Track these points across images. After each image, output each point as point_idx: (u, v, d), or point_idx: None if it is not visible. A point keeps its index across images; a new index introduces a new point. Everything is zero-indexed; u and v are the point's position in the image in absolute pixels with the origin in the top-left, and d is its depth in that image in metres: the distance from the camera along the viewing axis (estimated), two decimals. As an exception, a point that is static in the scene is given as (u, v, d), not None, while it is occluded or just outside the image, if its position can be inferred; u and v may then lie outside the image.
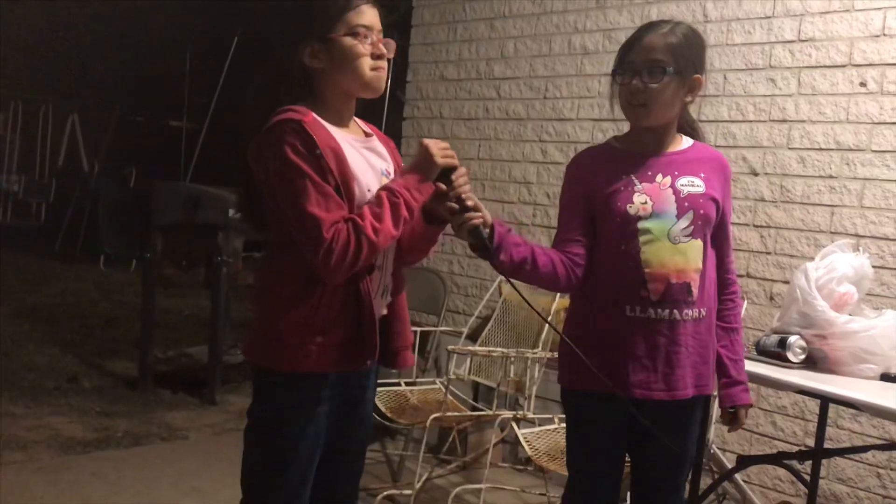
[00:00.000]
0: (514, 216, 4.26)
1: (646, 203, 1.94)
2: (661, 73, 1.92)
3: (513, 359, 3.31)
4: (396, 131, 4.96)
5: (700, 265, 1.97)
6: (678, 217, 1.95)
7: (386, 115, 6.74)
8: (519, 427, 3.16)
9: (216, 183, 5.11)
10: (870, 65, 3.06)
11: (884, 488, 3.00)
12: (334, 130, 1.75)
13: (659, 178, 1.99)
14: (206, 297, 4.77)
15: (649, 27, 1.99)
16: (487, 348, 3.60)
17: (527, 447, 3.04)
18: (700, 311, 1.98)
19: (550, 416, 3.26)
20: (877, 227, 3.06)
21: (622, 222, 1.95)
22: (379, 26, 1.79)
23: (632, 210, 1.94)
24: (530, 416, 3.26)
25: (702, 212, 1.96)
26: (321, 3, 1.74)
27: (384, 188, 1.74)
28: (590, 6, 3.96)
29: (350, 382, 1.85)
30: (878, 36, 3.05)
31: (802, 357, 2.25)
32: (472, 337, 4.03)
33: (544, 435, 3.15)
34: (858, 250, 2.49)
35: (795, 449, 2.80)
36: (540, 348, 3.47)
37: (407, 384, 3.65)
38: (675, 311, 1.95)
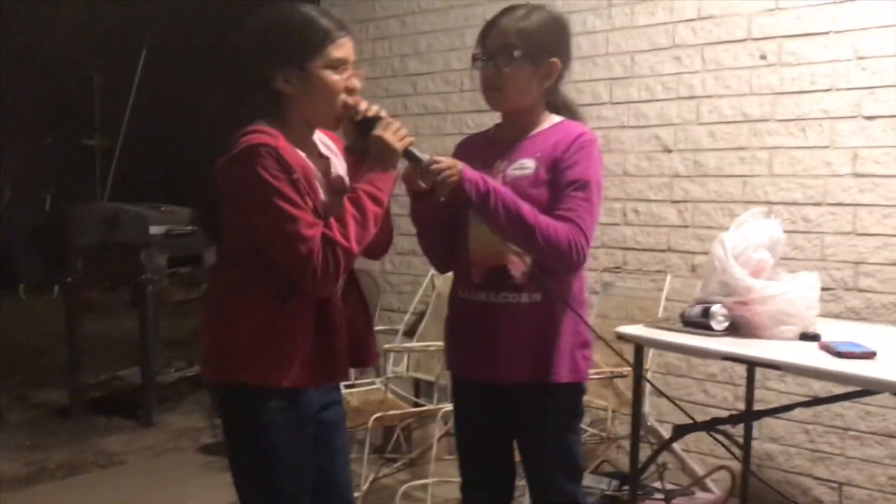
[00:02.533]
0: (441, 210, 4.27)
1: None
2: (510, 57, 1.94)
3: (449, 351, 3.32)
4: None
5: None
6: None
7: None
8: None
9: (134, 200, 4.99)
10: (767, 38, 3.18)
11: (812, 442, 3.13)
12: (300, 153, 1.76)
13: (497, 163, 2.00)
14: (134, 318, 4.64)
15: (505, 12, 2.00)
16: (424, 343, 3.61)
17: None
18: (531, 297, 1.97)
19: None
20: (787, 193, 3.18)
21: (462, 208, 1.93)
22: (353, 58, 1.80)
23: None
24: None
25: (526, 194, 1.92)
26: (303, 32, 1.73)
27: (350, 190, 1.77)
28: (497, -3, 4.00)
29: (327, 398, 1.88)
30: (772, 10, 3.16)
31: (726, 324, 2.32)
32: (409, 333, 4.03)
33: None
34: (771, 217, 2.57)
35: (728, 414, 2.88)
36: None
37: (346, 387, 3.63)
38: (495, 294, 1.97)
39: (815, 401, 2.51)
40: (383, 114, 1.82)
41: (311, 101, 1.76)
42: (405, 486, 3.38)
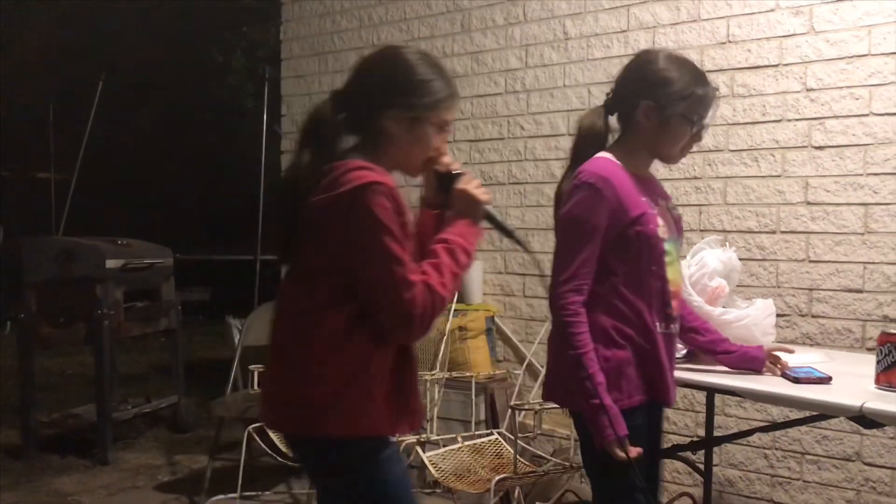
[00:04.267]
0: (402, 241, 4.27)
1: (662, 225, 1.99)
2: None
3: (411, 383, 3.30)
4: (276, 165, 4.91)
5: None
6: (678, 238, 2.08)
7: (265, 148, 6.67)
8: (424, 450, 3.16)
9: (90, 233, 4.91)
10: (720, 70, 3.26)
11: (771, 467, 3.16)
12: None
13: (660, 201, 2.07)
14: (89, 353, 4.55)
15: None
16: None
17: (432, 469, 3.04)
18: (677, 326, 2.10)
19: (454, 435, 3.27)
20: (741, 221, 3.25)
21: (655, 244, 1.97)
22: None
23: (661, 232, 1.98)
24: (434, 438, 3.26)
25: (683, 232, 2.12)
26: (430, 85, 1.72)
27: (437, 240, 1.72)
28: (455, 31, 4.05)
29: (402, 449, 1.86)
30: (724, 43, 3.25)
31: (685, 352, 2.35)
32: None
33: (449, 455, 3.16)
34: (726, 245, 2.62)
35: (688, 440, 2.90)
36: (438, 369, 3.48)
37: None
38: (675, 325, 2.06)
39: (773, 426, 2.54)
40: (464, 169, 1.84)
41: (409, 147, 1.74)
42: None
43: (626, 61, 3.25)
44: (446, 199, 1.79)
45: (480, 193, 1.77)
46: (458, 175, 1.79)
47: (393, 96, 1.70)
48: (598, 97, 3.59)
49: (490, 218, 1.82)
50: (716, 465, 3.20)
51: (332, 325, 1.66)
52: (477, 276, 3.90)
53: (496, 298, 3.92)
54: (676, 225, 2.09)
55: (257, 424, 3.40)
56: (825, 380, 2.05)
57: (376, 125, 1.71)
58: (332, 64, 4.54)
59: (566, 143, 3.69)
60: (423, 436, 3.26)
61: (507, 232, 1.85)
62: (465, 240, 1.72)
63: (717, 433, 2.92)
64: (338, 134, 1.71)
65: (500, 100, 3.93)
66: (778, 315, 3.00)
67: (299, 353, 1.69)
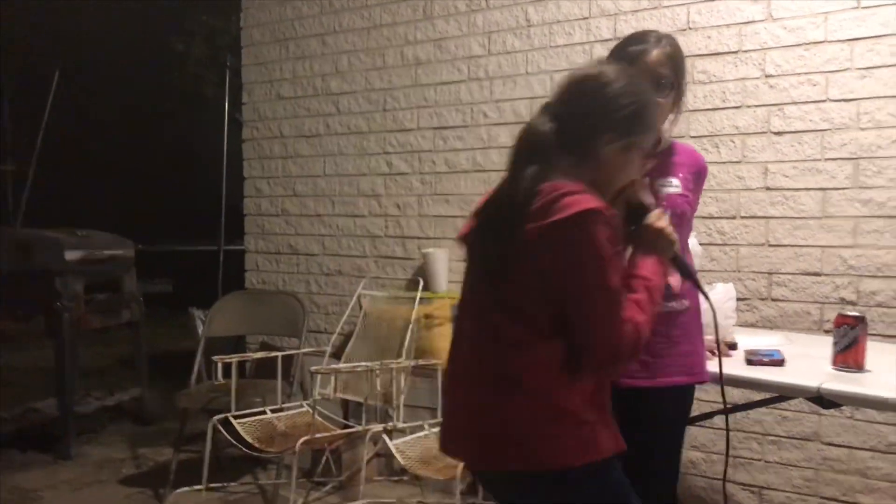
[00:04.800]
0: (367, 230, 4.26)
1: None
2: (668, 87, 2.00)
3: (377, 371, 3.31)
4: (237, 154, 4.86)
5: None
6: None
7: (227, 138, 6.60)
8: (391, 438, 3.16)
9: (50, 225, 4.82)
10: (680, 57, 3.28)
11: (733, 449, 3.22)
12: None
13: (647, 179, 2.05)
14: (50, 347, 4.47)
15: (642, 42, 2.01)
16: (351, 364, 3.58)
17: (399, 457, 3.05)
18: (683, 303, 2.06)
19: (420, 423, 3.28)
20: (702, 207, 3.26)
21: None
22: None
23: None
24: (400, 426, 3.27)
25: (678, 210, 2.03)
26: (646, 111, 1.69)
27: (635, 276, 1.68)
28: (417, 17, 4.03)
29: None
30: (684, 30, 3.27)
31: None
32: (337, 355, 4.00)
33: (416, 442, 3.16)
34: (687, 230, 2.65)
35: (652, 423, 2.94)
36: (404, 357, 3.48)
37: (273, 411, 3.57)
38: (674, 302, 2.03)
39: (734, 408, 2.58)
40: (656, 203, 1.81)
41: (616, 173, 1.68)
42: (336, 509, 3.34)
43: (588, 48, 3.25)
44: (633, 231, 1.74)
45: (671, 232, 1.73)
46: (650, 209, 1.75)
47: (615, 120, 1.64)
48: (561, 84, 3.62)
49: (676, 258, 1.77)
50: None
51: (549, 358, 1.60)
52: (442, 263, 3.90)
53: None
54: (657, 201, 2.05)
55: (222, 416, 3.38)
56: (779, 362, 2.09)
57: (590, 146, 1.64)
58: (293, 50, 4.49)
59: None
60: (390, 424, 3.26)
61: (690, 275, 1.83)
62: (659, 279, 1.70)
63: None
64: (555, 151, 1.63)
65: (463, 87, 3.93)
66: (739, 299, 3.05)
67: (520, 387, 1.61)
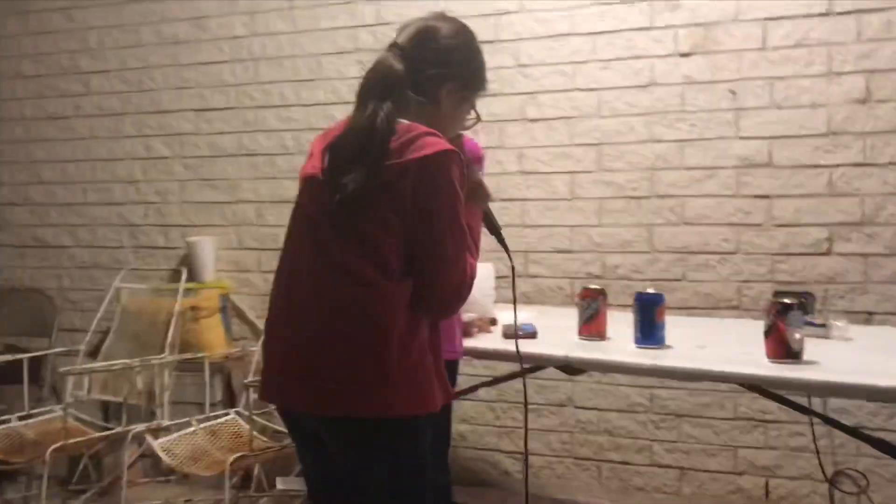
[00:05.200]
0: (125, 218, 4.00)
1: None
2: None
3: (137, 369, 3.12)
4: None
5: None
6: None
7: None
8: (156, 438, 3.00)
9: None
10: (441, 45, 3.37)
11: (498, 419, 3.39)
12: None
13: None
14: None
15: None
16: (107, 363, 3.35)
17: (165, 456, 2.90)
18: None
19: (188, 419, 3.14)
20: (465, 190, 3.41)
21: None
22: None
23: None
24: (165, 423, 3.11)
25: None
26: (482, 66, 1.77)
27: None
28: (174, -7, 3.83)
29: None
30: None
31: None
32: (94, 354, 3.72)
33: (184, 440, 3.02)
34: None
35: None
36: (167, 353, 3.31)
37: (20, 419, 3.26)
38: None
39: (496, 380, 2.71)
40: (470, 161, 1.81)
41: (449, 121, 1.73)
42: (95, 518, 3.12)
43: (352, 32, 3.26)
44: None
45: (487, 185, 1.83)
46: (472, 165, 1.78)
47: (458, 72, 1.70)
48: (329, 68, 3.59)
49: (488, 211, 1.84)
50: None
51: (402, 300, 1.56)
52: (209, 252, 3.75)
53: (230, 275, 3.80)
54: None
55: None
56: (532, 335, 2.22)
57: (435, 92, 1.68)
58: (34, 24, 4.12)
59: (297, 114, 3.66)
60: (154, 423, 3.10)
61: (497, 230, 1.87)
62: (479, 228, 1.80)
63: (448, 392, 3.07)
64: (406, 91, 1.63)
65: (226, 68, 3.79)
66: (499, 277, 3.21)
67: (371, 330, 1.54)
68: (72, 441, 3.00)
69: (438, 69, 1.68)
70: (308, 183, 1.67)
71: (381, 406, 1.56)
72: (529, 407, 3.35)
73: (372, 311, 1.55)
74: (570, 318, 2.39)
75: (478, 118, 1.79)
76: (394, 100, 1.60)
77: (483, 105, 3.33)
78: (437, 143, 1.57)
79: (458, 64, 1.71)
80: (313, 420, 1.62)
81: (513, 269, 1.81)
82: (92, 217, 4.08)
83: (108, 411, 3.66)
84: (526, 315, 2.55)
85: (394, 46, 1.67)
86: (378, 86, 1.62)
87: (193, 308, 3.58)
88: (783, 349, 1.84)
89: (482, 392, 3.31)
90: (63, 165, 4.12)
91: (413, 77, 1.64)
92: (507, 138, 3.34)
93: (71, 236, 4.12)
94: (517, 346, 1.87)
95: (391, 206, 1.54)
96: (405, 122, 1.59)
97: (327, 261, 1.58)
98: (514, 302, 1.86)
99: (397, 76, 1.62)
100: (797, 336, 1.85)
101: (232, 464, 2.69)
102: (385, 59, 1.65)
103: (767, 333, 1.88)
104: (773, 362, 1.85)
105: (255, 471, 3.31)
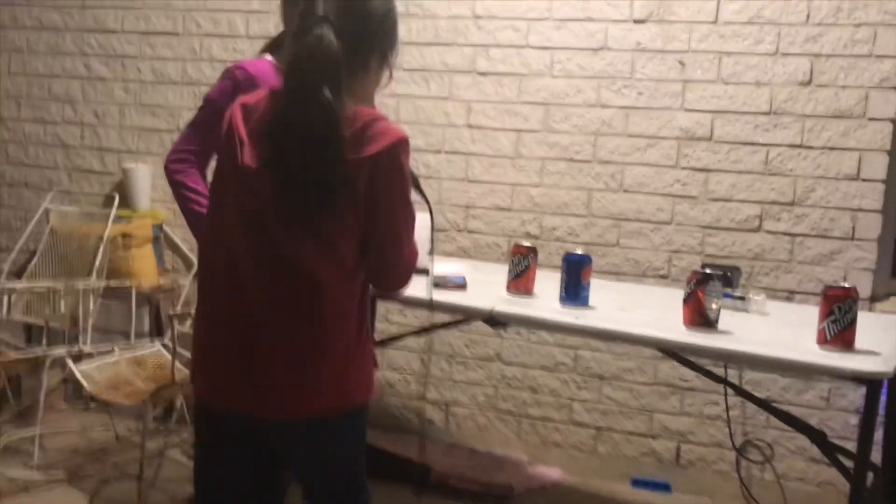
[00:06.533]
0: (60, 138, 3.88)
1: None
2: None
3: (62, 292, 3.06)
4: None
5: None
6: None
7: None
8: (77, 363, 2.96)
9: None
10: None
11: (424, 367, 3.43)
12: None
13: None
14: None
15: None
16: (30, 284, 3.27)
17: (85, 382, 2.86)
18: None
19: (110, 346, 3.10)
20: (411, 140, 3.38)
21: None
22: None
23: None
24: (88, 350, 3.07)
25: None
26: (396, 28, 1.66)
27: None
28: None
29: None
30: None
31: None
32: (18, 274, 3.63)
33: (105, 367, 2.99)
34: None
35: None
36: (94, 277, 3.25)
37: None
38: None
39: (425, 329, 2.73)
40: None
41: (373, 88, 1.66)
42: (6, 437, 3.06)
43: None
44: None
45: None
46: None
47: (382, 39, 1.63)
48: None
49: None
50: (378, 369, 3.39)
51: (356, 293, 1.58)
52: (145, 180, 3.67)
53: (166, 205, 3.72)
54: None
55: None
56: (461, 286, 2.24)
57: (365, 64, 1.60)
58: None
59: (244, 45, 3.57)
60: (76, 348, 3.05)
61: (416, 182, 1.77)
62: None
63: (379, 339, 3.09)
64: (343, 70, 1.51)
65: (174, -9, 3.67)
66: (438, 230, 3.22)
67: (331, 330, 1.54)
68: (-12, 361, 2.95)
69: (371, 41, 1.60)
70: (245, 175, 1.53)
71: (344, 399, 1.59)
72: (457, 360, 3.39)
73: (329, 312, 1.53)
74: (502, 274, 2.41)
75: (390, 76, 1.71)
76: (333, 84, 1.49)
77: (436, 54, 3.32)
78: (387, 132, 1.52)
79: (387, 32, 1.64)
80: (270, 426, 1.59)
81: (431, 213, 1.79)
82: (24, 134, 3.94)
83: (31, 334, 3.59)
84: (459, 268, 2.56)
85: (325, 21, 1.50)
86: (317, 69, 1.50)
87: (125, 236, 3.50)
88: (699, 317, 1.90)
89: (410, 341, 3.34)
90: (-3, 78, 3.96)
91: (347, 53, 1.52)
92: (457, 90, 3.32)
93: (1, 152, 3.98)
94: (430, 294, 1.94)
95: (348, 203, 1.50)
96: (355, 108, 1.52)
97: (278, 260, 1.52)
98: (432, 243, 1.87)
99: (335, 56, 1.50)
100: (714, 306, 1.90)
101: (153, 394, 2.67)
102: (324, 37, 1.49)
103: (686, 301, 1.93)
104: (688, 329, 1.90)
105: (178, 403, 3.30)
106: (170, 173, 2.20)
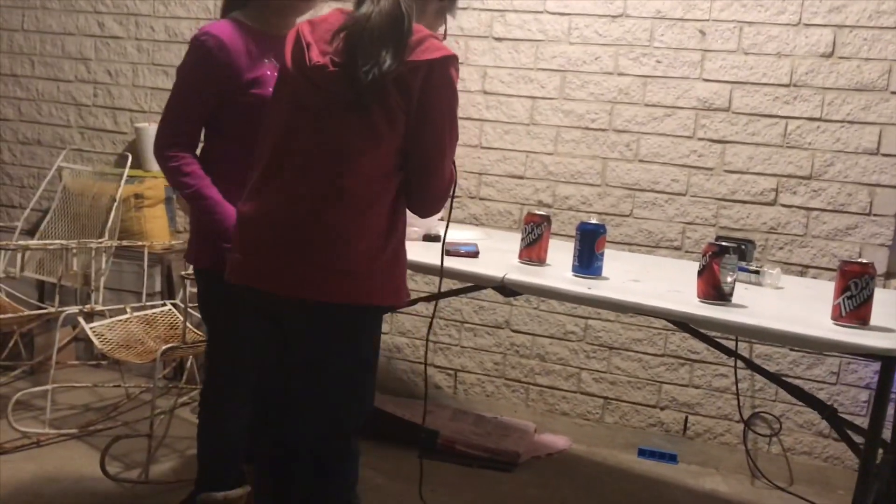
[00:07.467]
0: (73, 97, 3.86)
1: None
2: None
3: (74, 250, 3.06)
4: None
5: None
6: None
7: None
8: (89, 321, 2.98)
9: None
10: None
11: (434, 335, 3.43)
12: None
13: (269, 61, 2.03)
14: None
15: None
16: (43, 241, 3.28)
17: (97, 340, 2.88)
18: None
19: (122, 306, 3.11)
20: (425, 104, 3.36)
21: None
22: None
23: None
24: (99, 308, 3.08)
25: None
26: None
27: None
28: None
29: None
30: None
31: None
32: (32, 232, 3.65)
33: (116, 326, 3.01)
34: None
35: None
36: (106, 237, 3.26)
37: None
38: None
39: (432, 296, 2.73)
40: None
41: (430, 26, 1.77)
42: (20, 393, 3.10)
43: None
44: None
45: None
46: None
47: None
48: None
49: None
50: (387, 334, 3.40)
51: (393, 193, 1.65)
52: (157, 140, 3.65)
53: (178, 166, 3.71)
54: None
55: None
56: (473, 254, 2.23)
57: (420, 8, 1.69)
58: None
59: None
60: (88, 306, 3.06)
61: None
62: None
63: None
64: None
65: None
66: (450, 196, 3.20)
67: (362, 221, 1.62)
68: (3, 316, 2.96)
69: None
70: (311, 71, 1.62)
71: (369, 294, 1.65)
72: (466, 326, 3.39)
73: (363, 204, 1.62)
74: (514, 242, 2.40)
75: (444, 34, 1.79)
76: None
77: (451, 18, 3.27)
78: (442, 48, 1.62)
79: None
80: (289, 304, 1.66)
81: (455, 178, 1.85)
82: (37, 92, 3.93)
83: (44, 292, 3.61)
84: (471, 235, 2.56)
85: None
86: None
87: (137, 196, 3.50)
88: (714, 290, 1.88)
89: (420, 307, 3.34)
90: (11, 34, 3.94)
91: None
92: (472, 55, 3.28)
93: (14, 109, 3.97)
94: (441, 263, 1.95)
95: (400, 102, 1.59)
96: (416, 23, 1.63)
97: (327, 147, 1.61)
98: (450, 210, 1.87)
99: None
100: (729, 279, 1.88)
101: (163, 354, 2.68)
102: None
103: (700, 273, 1.91)
104: (702, 302, 1.89)
105: (188, 363, 3.32)
106: (164, 160, 2.02)
